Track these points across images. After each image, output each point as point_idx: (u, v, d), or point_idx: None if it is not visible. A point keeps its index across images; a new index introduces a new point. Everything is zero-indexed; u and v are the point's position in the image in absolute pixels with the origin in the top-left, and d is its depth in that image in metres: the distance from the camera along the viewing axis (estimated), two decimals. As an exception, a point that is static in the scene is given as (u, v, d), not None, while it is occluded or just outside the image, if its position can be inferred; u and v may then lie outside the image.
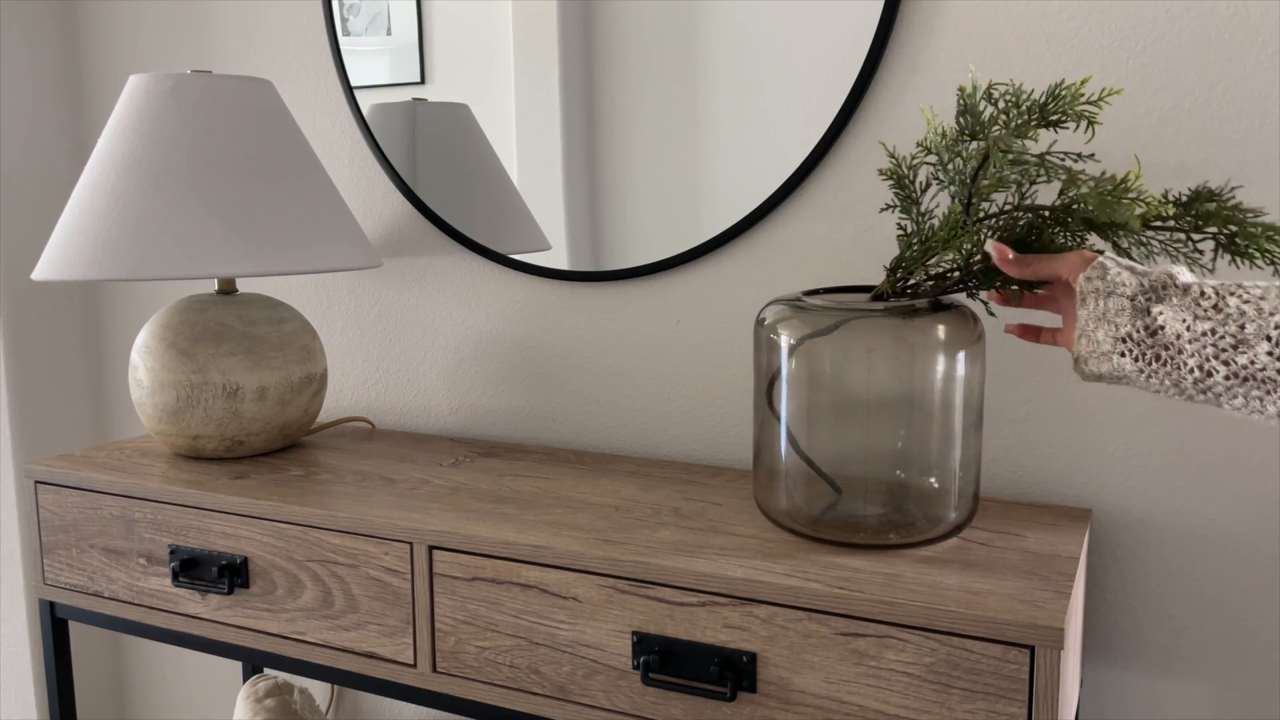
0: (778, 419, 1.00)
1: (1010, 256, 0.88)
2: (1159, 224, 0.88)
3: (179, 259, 1.20)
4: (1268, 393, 0.74)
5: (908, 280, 0.97)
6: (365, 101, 1.49)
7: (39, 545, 1.34)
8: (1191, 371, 0.77)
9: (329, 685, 1.68)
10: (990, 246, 0.89)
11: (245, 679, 1.65)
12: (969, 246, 0.93)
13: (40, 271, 1.24)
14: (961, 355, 0.95)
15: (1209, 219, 0.86)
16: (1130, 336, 0.80)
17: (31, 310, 1.71)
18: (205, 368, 1.27)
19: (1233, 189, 0.87)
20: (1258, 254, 0.85)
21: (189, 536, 1.22)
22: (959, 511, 0.98)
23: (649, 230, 1.33)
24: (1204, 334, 0.76)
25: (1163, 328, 0.78)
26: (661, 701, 0.98)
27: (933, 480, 0.98)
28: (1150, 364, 0.79)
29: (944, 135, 0.92)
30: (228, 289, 1.37)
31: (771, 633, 0.92)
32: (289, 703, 1.52)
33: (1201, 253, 0.89)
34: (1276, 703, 1.12)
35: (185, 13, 1.63)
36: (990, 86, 0.92)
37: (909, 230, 0.96)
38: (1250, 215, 0.85)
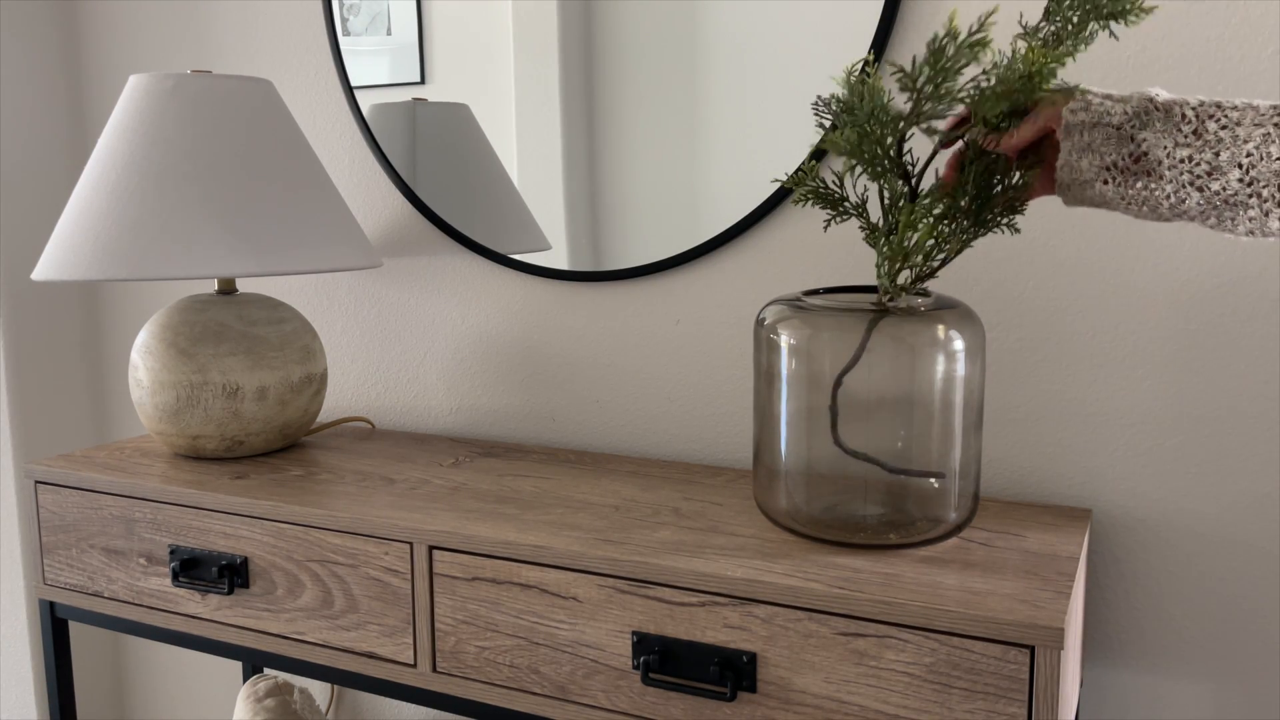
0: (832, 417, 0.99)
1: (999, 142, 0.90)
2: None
3: (179, 259, 1.20)
4: (1238, 213, 0.77)
5: (903, 275, 0.97)
6: (365, 101, 1.49)
7: (39, 545, 1.34)
8: (1168, 197, 0.79)
9: (329, 685, 1.68)
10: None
11: (245, 679, 1.65)
12: (938, 210, 0.94)
13: (40, 271, 1.24)
14: (961, 355, 0.95)
15: (1082, 13, 0.87)
16: (1115, 164, 0.82)
17: (31, 310, 1.71)
18: (205, 368, 1.27)
19: None
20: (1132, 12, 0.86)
21: (189, 536, 1.22)
22: (959, 511, 0.98)
23: (649, 230, 1.33)
24: (1181, 160, 0.78)
25: (1146, 154, 0.80)
26: (661, 701, 0.98)
27: (933, 480, 0.98)
28: (1130, 189, 0.81)
29: (855, 136, 0.92)
30: (228, 289, 1.37)
31: (771, 633, 0.92)
32: (289, 703, 1.53)
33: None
34: (1276, 703, 1.12)
35: (185, 13, 1.63)
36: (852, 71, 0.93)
37: (878, 229, 0.95)
38: None
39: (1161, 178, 0.79)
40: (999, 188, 0.93)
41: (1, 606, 1.74)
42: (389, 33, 1.46)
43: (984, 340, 0.99)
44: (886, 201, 0.94)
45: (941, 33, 0.88)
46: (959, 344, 0.95)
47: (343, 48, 1.49)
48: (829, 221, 1.00)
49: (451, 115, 1.44)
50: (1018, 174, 0.92)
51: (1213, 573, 1.12)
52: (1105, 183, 0.82)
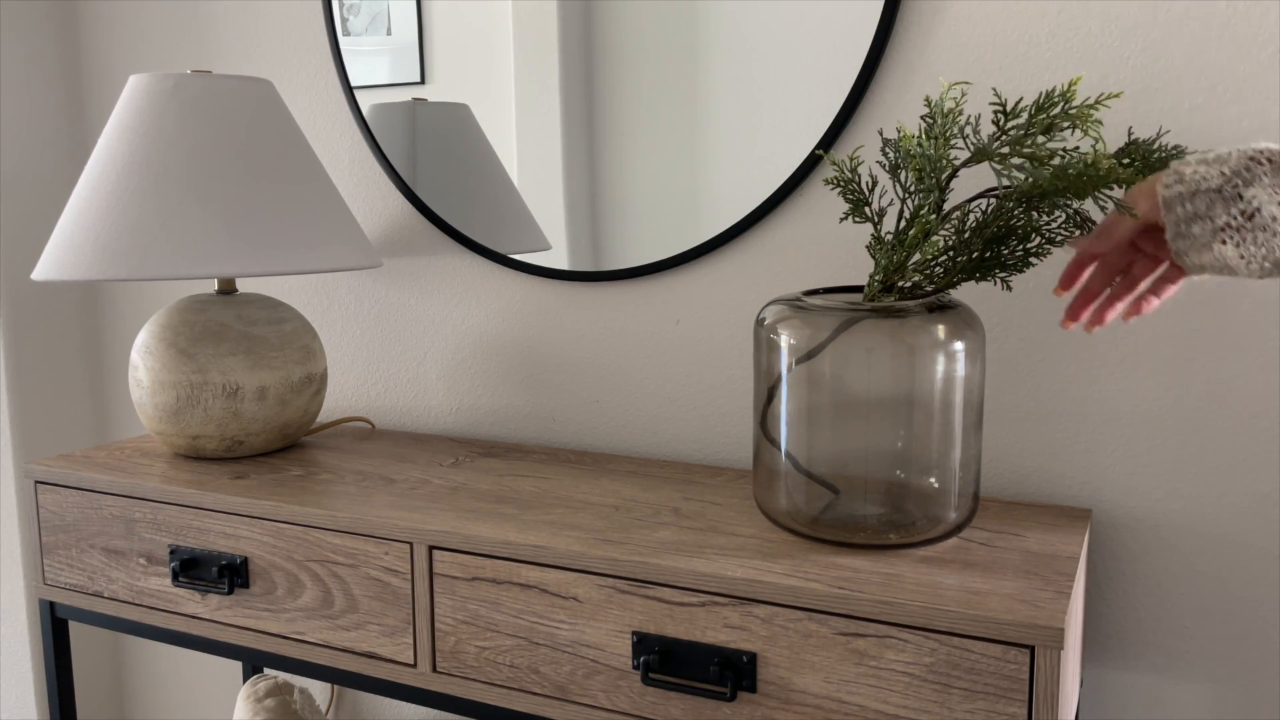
0: (774, 442, 1.00)
1: (1086, 243, 0.89)
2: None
3: (179, 259, 1.20)
4: None
5: (900, 284, 0.98)
6: (365, 101, 1.49)
7: (39, 545, 1.34)
8: None
9: (329, 685, 1.68)
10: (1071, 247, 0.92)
11: (245, 679, 1.65)
12: (947, 241, 0.95)
13: (40, 271, 1.24)
14: (961, 355, 0.95)
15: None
16: (1229, 225, 0.79)
17: (31, 310, 1.71)
18: (205, 368, 1.27)
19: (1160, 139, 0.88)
20: None
21: (189, 536, 1.22)
22: (959, 511, 0.98)
23: (649, 230, 1.33)
24: None
25: (1259, 210, 0.78)
26: (661, 701, 0.98)
27: (933, 480, 0.98)
28: (1250, 248, 0.79)
29: (923, 145, 0.92)
30: (228, 289, 1.37)
31: (771, 633, 0.92)
32: (289, 703, 1.52)
33: None
34: (1277, 703, 1.12)
35: (185, 13, 1.63)
36: (959, 97, 0.94)
37: (884, 236, 0.97)
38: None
39: (1277, 234, 0.77)
40: (1011, 250, 0.94)
41: (1, 606, 1.74)
42: (389, 33, 1.46)
43: (984, 340, 0.99)
44: (906, 218, 0.95)
45: (1057, 90, 0.87)
46: (959, 344, 0.95)
47: (343, 48, 1.49)
48: (845, 216, 1.01)
49: (451, 115, 1.44)
50: (1035, 240, 0.93)
51: (1213, 573, 1.12)
52: (1224, 243, 0.80)
